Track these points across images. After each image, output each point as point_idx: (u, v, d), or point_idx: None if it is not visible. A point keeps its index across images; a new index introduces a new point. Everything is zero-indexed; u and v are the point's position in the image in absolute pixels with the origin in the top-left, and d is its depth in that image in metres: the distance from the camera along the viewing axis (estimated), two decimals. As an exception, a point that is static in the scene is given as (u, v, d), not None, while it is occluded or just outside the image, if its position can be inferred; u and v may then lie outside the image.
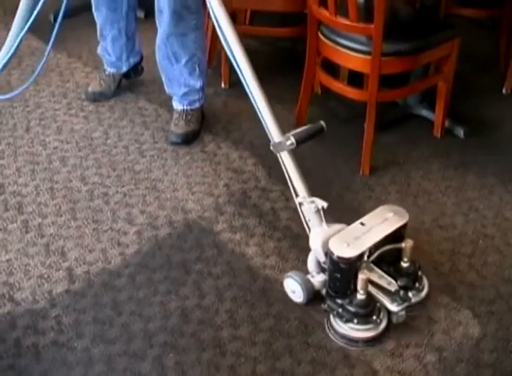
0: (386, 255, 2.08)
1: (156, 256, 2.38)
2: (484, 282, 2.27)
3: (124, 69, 3.24)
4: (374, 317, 2.01)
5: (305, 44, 2.82)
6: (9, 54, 2.39)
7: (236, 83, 3.36)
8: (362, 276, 1.96)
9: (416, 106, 3.09)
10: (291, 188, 2.18)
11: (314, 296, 2.14)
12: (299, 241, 2.41)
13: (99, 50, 3.23)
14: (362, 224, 2.10)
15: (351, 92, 2.77)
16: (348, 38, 2.60)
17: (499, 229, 2.49)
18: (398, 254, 2.11)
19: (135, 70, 3.31)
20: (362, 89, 2.81)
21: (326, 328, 2.09)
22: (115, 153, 2.89)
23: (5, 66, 2.54)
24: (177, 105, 2.99)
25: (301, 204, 2.15)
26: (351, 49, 2.60)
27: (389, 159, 2.84)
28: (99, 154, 2.89)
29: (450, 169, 2.79)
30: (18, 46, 2.50)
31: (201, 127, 3.00)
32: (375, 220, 2.11)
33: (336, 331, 2.05)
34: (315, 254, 2.13)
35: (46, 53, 2.48)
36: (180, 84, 2.91)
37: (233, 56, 2.25)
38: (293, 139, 2.13)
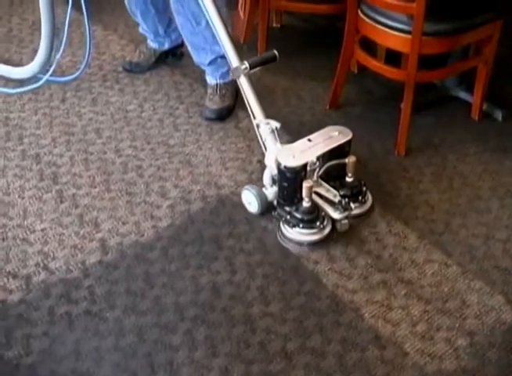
0: (333, 171, 2.31)
1: (188, 230, 2.39)
2: (519, 268, 2.25)
3: (167, 45, 3.23)
4: (318, 223, 2.23)
5: (343, 21, 2.78)
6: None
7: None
8: (306, 185, 2.18)
9: (454, 88, 3.05)
10: (249, 111, 2.41)
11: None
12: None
13: (140, 29, 3.23)
14: (309, 140, 2.32)
15: (388, 72, 2.73)
16: (389, 17, 2.56)
17: (535, 214, 2.46)
18: (343, 170, 2.32)
19: (174, 54, 3.30)
20: (399, 69, 2.77)
21: (277, 235, 2.30)
22: (150, 127, 2.90)
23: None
24: (210, 79, 2.98)
25: (258, 125, 2.38)
26: (391, 28, 2.56)
27: (425, 140, 2.81)
28: (133, 127, 2.89)
29: (487, 153, 2.75)
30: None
31: (236, 102, 2.99)
32: (321, 137, 2.34)
33: (285, 236, 2.28)
34: (270, 170, 2.35)
35: (87, 33, 2.56)
36: (206, 51, 2.87)
37: None
38: (247, 64, 2.38)
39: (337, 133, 2.35)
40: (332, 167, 2.30)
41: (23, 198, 2.51)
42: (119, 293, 2.15)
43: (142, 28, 3.21)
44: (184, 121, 2.93)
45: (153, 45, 3.24)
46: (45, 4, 2.75)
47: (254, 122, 2.41)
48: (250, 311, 2.09)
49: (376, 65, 2.77)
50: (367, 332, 2.02)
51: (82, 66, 2.99)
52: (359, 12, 2.68)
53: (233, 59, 2.44)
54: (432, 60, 2.67)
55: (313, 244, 2.27)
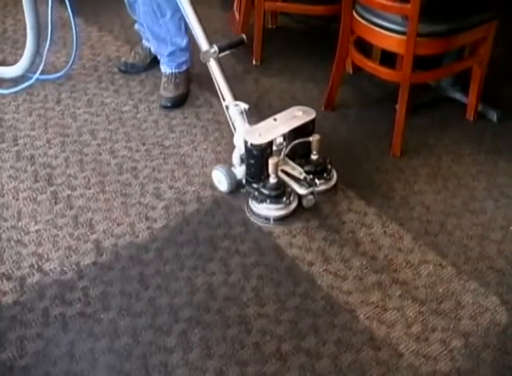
0: (298, 149, 2.42)
1: (183, 231, 2.38)
2: (514, 269, 2.25)
3: None
4: (284, 199, 2.33)
5: (339, 23, 2.78)
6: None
7: (267, 60, 3.36)
8: (272, 161, 2.28)
9: (449, 89, 3.05)
10: (219, 93, 2.50)
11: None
12: (327, 221, 2.41)
13: (136, 25, 3.22)
14: (274, 120, 2.42)
15: (383, 73, 2.73)
16: (383, 18, 2.56)
17: (530, 215, 2.46)
18: (309, 149, 2.43)
19: None
20: (394, 70, 2.77)
21: (246, 211, 2.41)
22: (145, 128, 2.89)
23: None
24: (165, 68, 3.03)
25: (227, 107, 2.48)
26: (385, 29, 2.56)
27: (420, 141, 2.81)
28: (128, 128, 2.89)
29: (482, 154, 2.75)
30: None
31: (190, 90, 3.06)
32: (285, 117, 2.44)
33: (253, 212, 2.38)
34: (238, 150, 2.45)
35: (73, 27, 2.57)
36: (167, 42, 2.93)
37: None
38: (216, 48, 2.46)
39: (301, 113, 2.44)
40: (297, 145, 2.41)
41: (17, 199, 2.51)
42: (113, 294, 2.15)
43: (140, 26, 3.18)
44: (179, 122, 2.93)
45: (148, 44, 3.24)
46: (28, 1, 2.77)
47: (224, 104, 2.50)
48: (245, 312, 2.09)
49: (371, 66, 2.77)
50: (362, 333, 2.02)
51: (70, 62, 3.00)
52: (354, 13, 2.68)
53: (203, 43, 2.51)
54: (427, 61, 2.67)
55: (280, 219, 2.37)
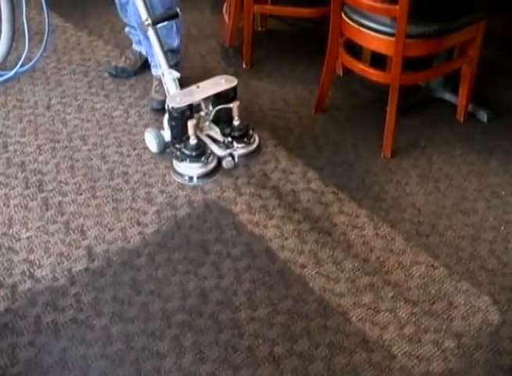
0: (222, 115, 2.54)
1: (175, 236, 2.38)
2: (505, 269, 2.24)
3: None
4: (203, 158, 2.44)
5: (328, 25, 2.78)
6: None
7: (257, 63, 3.36)
8: (191, 123, 2.40)
9: (439, 90, 3.05)
10: (156, 61, 2.67)
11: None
12: (319, 224, 2.41)
13: (126, 29, 3.21)
14: (197, 86, 2.54)
15: (373, 74, 2.74)
16: (372, 19, 2.57)
17: (521, 215, 2.47)
18: (231, 115, 2.53)
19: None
20: (384, 71, 2.77)
21: (172, 172, 2.52)
22: (135, 132, 2.89)
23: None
24: (156, 71, 3.00)
25: (162, 74, 2.62)
26: (374, 31, 2.57)
27: (411, 142, 2.81)
28: (119, 133, 2.89)
29: (473, 154, 2.76)
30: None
31: None
32: (208, 84, 2.56)
33: (175, 170, 2.49)
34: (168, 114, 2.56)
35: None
36: None
37: None
38: (150, 20, 2.58)
39: (223, 81, 2.56)
40: (221, 111, 2.53)
41: (8, 206, 2.50)
42: (106, 300, 2.14)
43: (130, 29, 3.18)
44: (170, 127, 2.92)
45: (138, 48, 3.23)
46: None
47: (159, 71, 2.69)
48: (238, 316, 2.09)
49: (360, 68, 2.78)
50: (355, 335, 2.02)
51: (38, 54, 3.02)
52: (343, 15, 2.68)
53: (143, 14, 2.59)
54: (417, 62, 2.67)
55: (200, 177, 2.48)
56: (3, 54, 2.97)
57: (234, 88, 2.55)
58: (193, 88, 2.55)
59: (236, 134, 2.52)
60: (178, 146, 2.50)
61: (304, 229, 2.40)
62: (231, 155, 2.47)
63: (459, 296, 2.14)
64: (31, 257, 2.29)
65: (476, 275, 2.22)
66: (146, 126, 2.91)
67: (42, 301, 2.13)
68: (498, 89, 3.13)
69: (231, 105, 2.50)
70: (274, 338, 2.02)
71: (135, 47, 3.25)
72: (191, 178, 2.48)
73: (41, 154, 2.76)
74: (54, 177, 2.64)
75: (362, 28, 2.60)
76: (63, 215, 2.46)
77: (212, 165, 2.46)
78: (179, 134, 2.50)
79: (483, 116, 2.94)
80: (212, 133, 2.54)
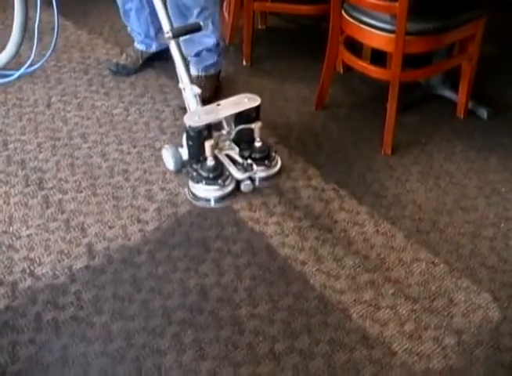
0: (243, 136, 2.42)
1: (175, 233, 2.38)
2: (506, 265, 2.24)
3: (154, 48, 3.22)
4: (220, 181, 2.33)
5: (328, 22, 2.78)
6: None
7: (257, 61, 3.36)
8: (208, 144, 2.30)
9: (439, 87, 3.05)
10: (178, 75, 2.52)
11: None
12: (319, 220, 2.41)
13: (129, 29, 3.21)
14: (218, 104, 2.43)
15: (373, 71, 2.74)
16: (372, 17, 2.56)
17: (521, 212, 2.47)
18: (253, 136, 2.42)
19: (160, 57, 3.26)
20: (384, 68, 2.77)
21: (187, 193, 2.42)
22: (136, 130, 2.89)
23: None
24: (192, 70, 2.94)
25: (184, 89, 2.51)
26: (374, 28, 2.57)
27: (411, 139, 2.81)
28: (119, 131, 2.89)
29: (473, 151, 2.75)
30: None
31: (215, 96, 2.94)
32: (230, 102, 2.44)
33: (191, 191, 2.39)
34: None
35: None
36: (194, 42, 2.84)
37: None
38: (170, 33, 2.46)
39: (246, 100, 2.44)
40: (242, 132, 2.42)
41: (8, 204, 2.50)
42: (106, 298, 2.14)
43: (132, 29, 3.19)
44: (170, 124, 2.92)
45: (140, 47, 3.23)
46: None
47: (181, 86, 2.53)
48: (238, 313, 2.09)
49: (361, 65, 2.77)
50: (355, 332, 2.02)
51: (47, 55, 2.92)
52: (343, 12, 2.68)
53: (164, 25, 2.50)
54: (417, 59, 2.67)
55: (218, 200, 2.38)
56: (8, 58, 2.96)
57: (257, 108, 2.42)
58: (214, 106, 2.43)
59: (257, 156, 2.42)
60: (194, 166, 2.39)
61: (305, 226, 2.40)
62: (250, 178, 2.37)
63: (459, 293, 2.14)
64: (32, 255, 2.29)
65: (476, 272, 2.22)
66: (146, 124, 2.92)
67: (43, 299, 2.13)
68: (498, 86, 3.13)
69: (252, 125, 2.39)
70: (274, 335, 2.02)
71: (137, 45, 3.24)
72: (208, 200, 2.38)
73: (41, 152, 2.76)
74: (54, 175, 2.64)
75: (362, 25, 2.60)
76: (63, 212, 2.46)
77: (230, 188, 2.36)
78: (196, 154, 2.39)
79: (483, 113, 2.93)
80: (232, 153, 2.43)
